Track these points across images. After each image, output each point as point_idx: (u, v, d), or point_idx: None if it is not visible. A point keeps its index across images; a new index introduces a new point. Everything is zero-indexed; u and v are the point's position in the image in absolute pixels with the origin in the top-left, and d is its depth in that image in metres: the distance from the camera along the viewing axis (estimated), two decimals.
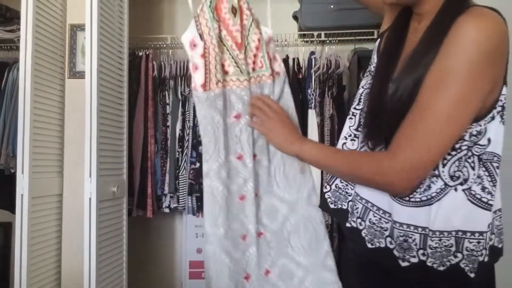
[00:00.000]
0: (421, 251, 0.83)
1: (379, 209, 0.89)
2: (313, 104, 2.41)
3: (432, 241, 0.81)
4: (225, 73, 1.15)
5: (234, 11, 1.14)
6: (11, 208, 2.29)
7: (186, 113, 2.61)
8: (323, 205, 1.07)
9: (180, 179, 2.59)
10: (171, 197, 2.63)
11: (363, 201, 0.93)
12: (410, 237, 0.83)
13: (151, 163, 2.58)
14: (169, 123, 2.63)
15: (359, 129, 0.97)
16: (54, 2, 2.18)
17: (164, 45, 2.75)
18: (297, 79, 2.51)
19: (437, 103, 0.76)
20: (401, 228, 0.84)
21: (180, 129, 2.61)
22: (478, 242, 0.81)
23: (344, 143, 1.00)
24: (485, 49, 0.74)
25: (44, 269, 2.08)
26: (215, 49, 1.12)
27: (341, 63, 2.48)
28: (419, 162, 0.79)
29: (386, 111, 0.85)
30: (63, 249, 2.20)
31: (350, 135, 0.99)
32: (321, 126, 2.39)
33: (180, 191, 2.59)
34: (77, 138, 2.20)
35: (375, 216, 0.90)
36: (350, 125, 1.00)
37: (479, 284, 0.84)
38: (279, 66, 1.23)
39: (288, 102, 1.23)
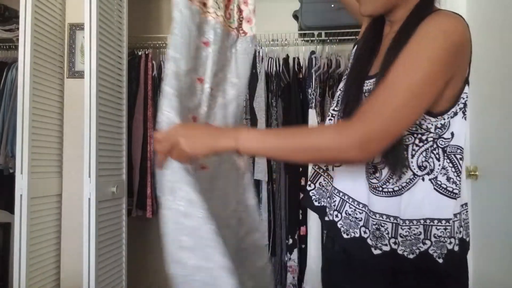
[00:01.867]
0: (392, 240, 0.88)
1: (354, 200, 0.95)
2: (313, 104, 2.41)
3: (403, 229, 0.87)
4: (204, 4, 1.12)
5: None
6: (10, 209, 2.28)
7: None
8: (307, 202, 1.10)
9: None
10: None
11: (340, 194, 0.99)
12: (383, 226, 0.89)
13: (150, 163, 2.57)
14: None
15: None
16: (53, 2, 2.17)
17: (164, 45, 2.74)
18: (297, 79, 2.50)
19: (406, 81, 0.81)
20: (374, 217, 0.90)
21: None
22: (445, 229, 0.87)
23: None
24: (453, 40, 0.81)
25: (44, 270, 2.07)
26: None
27: (341, 62, 2.47)
28: (386, 133, 0.81)
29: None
30: (62, 250, 2.20)
31: None
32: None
33: None
34: (76, 138, 2.19)
35: (350, 208, 0.95)
36: None
37: (453, 277, 0.90)
38: (250, 29, 1.22)
39: (241, 72, 1.19)
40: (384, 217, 0.89)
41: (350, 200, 0.96)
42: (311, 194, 1.07)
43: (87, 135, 1.93)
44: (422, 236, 0.87)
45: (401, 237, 0.87)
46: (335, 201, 1.00)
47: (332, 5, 2.39)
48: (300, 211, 2.41)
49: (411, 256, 0.87)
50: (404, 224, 0.87)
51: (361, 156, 0.81)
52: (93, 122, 1.94)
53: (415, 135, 0.88)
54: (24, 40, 1.94)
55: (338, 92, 1.05)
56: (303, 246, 2.42)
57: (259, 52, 2.58)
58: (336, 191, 1.01)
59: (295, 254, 2.40)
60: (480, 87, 1.73)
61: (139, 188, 2.55)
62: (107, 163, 2.07)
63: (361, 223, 0.93)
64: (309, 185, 1.09)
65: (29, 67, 1.94)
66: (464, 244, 0.92)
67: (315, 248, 2.33)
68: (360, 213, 0.93)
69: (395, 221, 0.88)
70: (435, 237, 0.87)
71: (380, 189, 0.90)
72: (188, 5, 1.06)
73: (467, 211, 0.94)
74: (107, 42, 2.09)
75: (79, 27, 2.23)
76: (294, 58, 2.54)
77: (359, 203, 0.94)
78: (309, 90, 2.43)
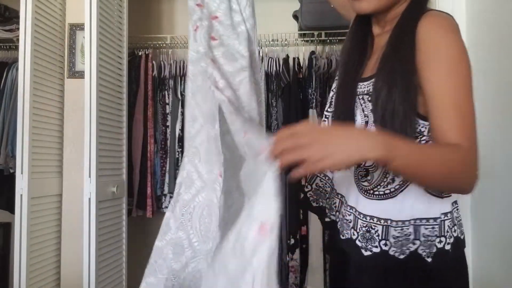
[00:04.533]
0: (383, 242, 0.89)
1: (346, 203, 0.97)
2: (313, 104, 2.41)
3: (396, 231, 0.88)
4: None
5: None
6: (11, 208, 2.28)
7: None
8: (305, 202, 1.10)
9: None
10: (170, 197, 2.62)
11: (339, 196, 1.01)
12: (373, 228, 0.90)
13: (150, 163, 2.58)
14: (168, 123, 2.62)
15: None
16: (53, 2, 2.17)
17: (164, 45, 2.74)
18: (297, 79, 2.50)
19: (461, 92, 0.81)
20: (364, 219, 0.91)
21: (179, 129, 2.60)
22: (433, 228, 0.88)
23: None
24: (459, 37, 0.84)
25: (44, 270, 2.07)
26: None
27: None
28: (477, 146, 0.80)
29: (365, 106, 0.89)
30: (62, 250, 2.20)
31: None
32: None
33: None
34: (76, 138, 2.19)
35: (345, 210, 0.97)
36: None
37: (445, 275, 0.90)
38: None
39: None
40: (375, 219, 0.90)
41: (345, 202, 0.98)
42: (308, 195, 1.07)
43: (87, 135, 1.94)
44: (412, 236, 0.88)
45: (393, 238, 0.88)
46: (335, 202, 1.02)
47: (332, 5, 2.39)
48: (301, 211, 2.42)
49: (401, 257, 0.88)
50: (396, 226, 0.88)
51: (477, 177, 0.79)
52: (93, 122, 1.94)
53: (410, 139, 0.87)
54: (25, 40, 1.94)
55: (332, 93, 1.04)
56: (304, 246, 2.42)
57: (259, 52, 2.58)
58: (334, 192, 1.03)
59: (297, 254, 2.41)
60: (480, 87, 1.72)
61: (139, 188, 2.55)
62: (107, 163, 2.07)
63: (351, 225, 0.94)
64: (306, 187, 1.09)
65: (30, 67, 1.94)
66: (459, 243, 0.92)
67: (316, 248, 2.34)
68: (349, 215, 0.95)
69: (385, 223, 0.89)
70: (424, 236, 0.88)
71: (371, 192, 0.91)
72: None
73: (457, 209, 0.95)
74: (107, 42, 2.09)
75: (79, 27, 2.23)
76: (294, 58, 2.54)
77: (347, 205, 0.96)
78: (309, 90, 2.44)
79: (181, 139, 2.60)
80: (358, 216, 0.93)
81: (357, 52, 0.98)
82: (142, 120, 2.58)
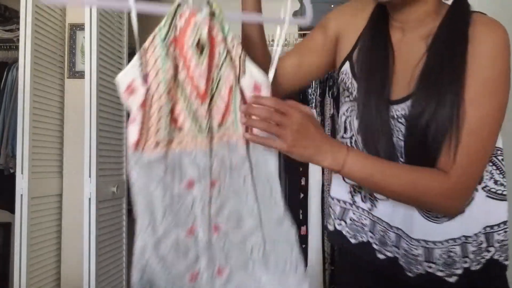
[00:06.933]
0: (463, 261, 0.83)
1: (408, 235, 0.86)
2: (313, 104, 2.41)
3: (473, 245, 0.83)
4: (178, 129, 0.82)
5: (200, 46, 0.83)
6: (11, 208, 2.28)
7: None
8: (338, 240, 1.00)
9: None
10: None
11: (394, 229, 0.88)
12: (451, 251, 0.83)
13: None
14: None
15: None
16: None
17: None
18: None
19: (482, 121, 0.77)
20: (441, 245, 0.84)
21: None
22: (505, 232, 0.85)
23: None
24: (508, 59, 0.77)
25: (44, 270, 2.07)
26: (163, 97, 0.81)
27: None
28: (475, 179, 0.81)
29: (401, 132, 0.81)
30: (62, 250, 2.20)
31: None
32: (322, 126, 2.39)
33: None
34: (76, 138, 2.19)
35: (408, 243, 0.86)
36: None
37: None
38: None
39: (262, 190, 0.88)
40: (451, 242, 0.83)
41: (405, 235, 0.86)
42: (344, 233, 0.96)
43: (87, 135, 1.94)
44: (484, 245, 0.84)
45: (472, 253, 0.83)
46: (390, 237, 0.90)
47: (332, 5, 2.39)
48: (300, 211, 2.42)
49: (478, 267, 0.83)
50: (473, 240, 0.83)
51: (459, 206, 0.80)
52: (93, 122, 1.94)
53: None
54: (25, 40, 1.94)
55: (343, 118, 0.93)
56: (304, 246, 2.42)
57: None
58: (388, 226, 0.89)
59: None
60: None
61: None
62: (107, 163, 2.07)
63: (423, 258, 0.85)
64: (339, 224, 0.97)
65: (30, 67, 1.94)
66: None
67: (316, 248, 2.34)
68: (416, 248, 0.85)
69: (465, 240, 0.83)
70: (498, 242, 0.84)
71: (440, 215, 0.83)
72: (135, 160, 0.79)
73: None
74: (108, 42, 2.10)
75: (80, 27, 2.24)
76: None
77: (411, 238, 0.85)
78: (309, 90, 2.43)
79: None
80: (432, 246, 0.84)
81: (380, 66, 0.85)
82: None
